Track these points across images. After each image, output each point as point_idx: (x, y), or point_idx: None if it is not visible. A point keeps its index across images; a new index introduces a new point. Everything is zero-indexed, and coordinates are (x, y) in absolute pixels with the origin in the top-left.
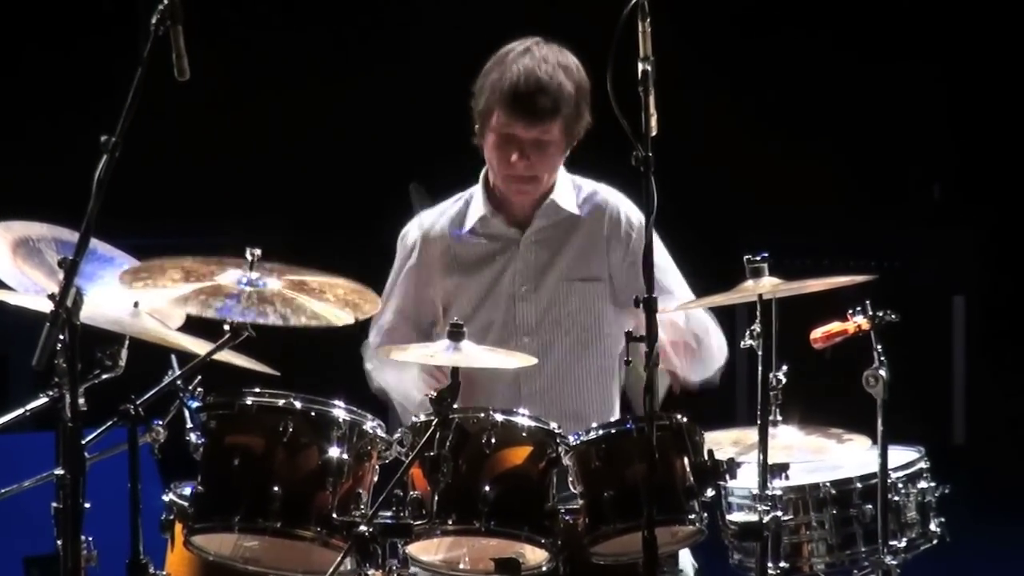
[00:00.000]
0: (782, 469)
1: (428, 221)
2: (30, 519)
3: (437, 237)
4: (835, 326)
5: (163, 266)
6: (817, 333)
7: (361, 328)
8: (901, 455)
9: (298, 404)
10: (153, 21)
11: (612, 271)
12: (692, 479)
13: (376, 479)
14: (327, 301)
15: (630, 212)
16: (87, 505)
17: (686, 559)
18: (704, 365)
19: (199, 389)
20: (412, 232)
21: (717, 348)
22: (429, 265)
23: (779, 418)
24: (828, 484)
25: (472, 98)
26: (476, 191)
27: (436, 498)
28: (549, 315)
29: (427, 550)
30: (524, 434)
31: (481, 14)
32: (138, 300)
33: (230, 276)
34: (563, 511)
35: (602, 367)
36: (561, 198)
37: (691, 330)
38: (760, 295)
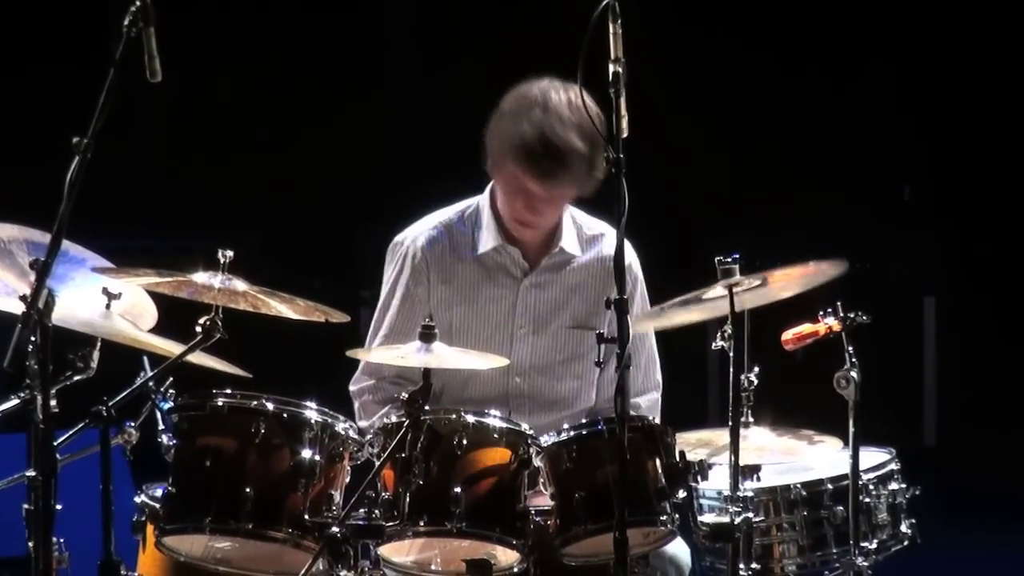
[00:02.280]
0: (753, 471)
1: (428, 234)
2: (1, 521)
3: (439, 254)
4: (806, 328)
5: (136, 270)
6: (788, 335)
7: (333, 330)
8: (872, 456)
9: (270, 405)
10: (125, 23)
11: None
12: (664, 480)
13: (348, 480)
14: (296, 308)
15: (633, 264)
16: (59, 507)
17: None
18: None
19: (171, 391)
20: (409, 246)
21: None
22: (426, 283)
23: (750, 420)
24: (799, 485)
25: (488, 130)
26: (482, 210)
27: (408, 499)
28: (545, 360)
29: (399, 551)
30: (496, 435)
31: (453, 24)
32: (110, 290)
33: (202, 276)
34: (534, 512)
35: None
36: (568, 242)
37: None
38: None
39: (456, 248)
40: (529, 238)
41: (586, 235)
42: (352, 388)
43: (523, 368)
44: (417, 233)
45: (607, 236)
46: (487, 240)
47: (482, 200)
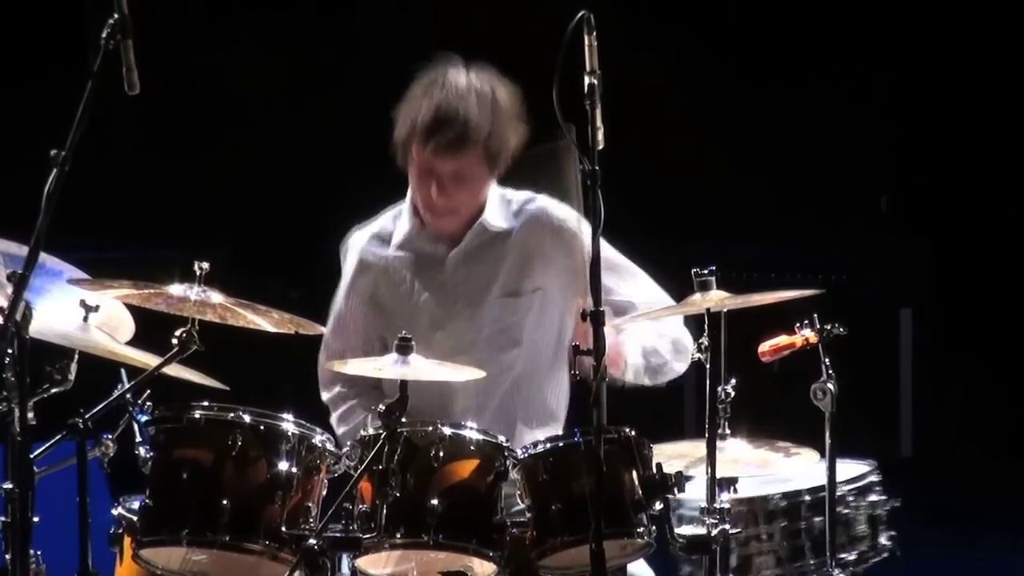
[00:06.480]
0: (731, 482)
1: (364, 238)
2: None
3: (370, 257)
4: (783, 339)
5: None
6: (765, 346)
7: (307, 341)
8: (852, 468)
9: (247, 418)
10: (103, 36)
11: (556, 278)
12: (640, 492)
13: (325, 492)
14: (269, 319)
15: (567, 216)
16: (35, 519)
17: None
18: (660, 374)
19: (148, 403)
20: (352, 247)
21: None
22: (364, 286)
23: (727, 431)
24: (777, 497)
25: (394, 125)
26: (405, 207)
27: (385, 511)
28: (487, 332)
29: (376, 563)
30: (472, 447)
31: (425, 29)
32: (87, 302)
33: (177, 289)
34: (511, 524)
35: (557, 378)
36: (492, 217)
37: (668, 334)
38: (708, 309)
39: (384, 243)
40: (448, 228)
41: (514, 208)
42: (325, 397)
43: (466, 346)
44: (359, 231)
45: (536, 199)
46: (400, 231)
47: (406, 201)
